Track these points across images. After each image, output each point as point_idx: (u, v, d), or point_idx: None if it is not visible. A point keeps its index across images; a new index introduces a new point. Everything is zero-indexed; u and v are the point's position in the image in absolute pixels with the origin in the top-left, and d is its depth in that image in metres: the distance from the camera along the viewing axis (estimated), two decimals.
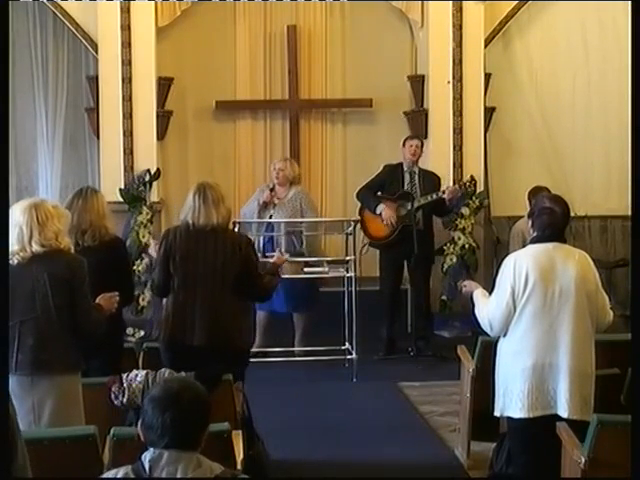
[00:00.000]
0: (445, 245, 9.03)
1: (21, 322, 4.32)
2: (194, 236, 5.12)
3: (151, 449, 2.81)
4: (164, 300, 5.40)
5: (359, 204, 8.39)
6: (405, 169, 8.23)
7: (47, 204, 4.47)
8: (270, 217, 8.00)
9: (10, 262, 4.29)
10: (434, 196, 8.08)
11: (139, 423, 2.87)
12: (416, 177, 8.23)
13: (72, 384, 4.43)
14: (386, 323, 8.27)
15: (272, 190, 8.10)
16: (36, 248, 4.33)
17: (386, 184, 8.24)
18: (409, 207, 8.03)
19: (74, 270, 4.41)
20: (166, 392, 2.83)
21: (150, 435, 2.81)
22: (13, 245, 4.31)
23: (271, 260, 5.76)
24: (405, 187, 8.15)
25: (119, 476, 2.83)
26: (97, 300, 4.59)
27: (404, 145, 8.30)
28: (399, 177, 8.19)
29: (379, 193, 8.26)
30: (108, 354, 5.12)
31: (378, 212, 8.15)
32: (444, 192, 8.11)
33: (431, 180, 8.28)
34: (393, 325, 8.32)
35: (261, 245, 7.90)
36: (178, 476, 2.76)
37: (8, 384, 2.79)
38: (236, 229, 7.48)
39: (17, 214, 4.36)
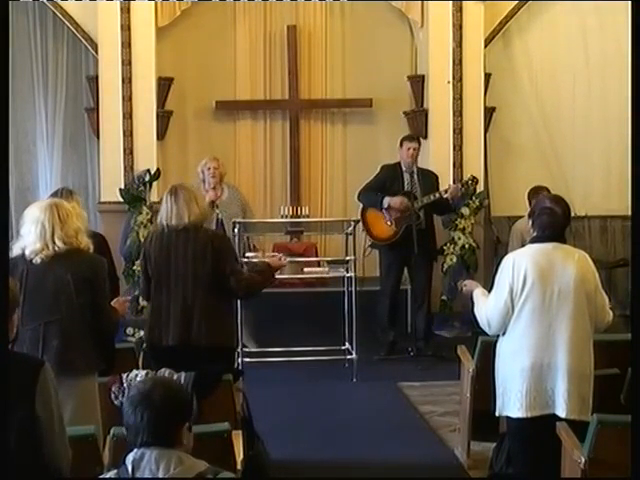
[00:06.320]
0: (445, 245, 9.02)
1: (45, 323, 4.31)
2: (167, 237, 5.14)
3: (134, 450, 2.83)
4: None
5: (360, 206, 8.31)
6: (404, 169, 8.21)
7: (65, 203, 4.52)
8: (217, 217, 7.80)
9: (33, 261, 4.31)
10: (436, 195, 8.07)
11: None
12: (415, 177, 8.20)
13: (92, 384, 4.45)
14: (387, 323, 8.27)
15: (214, 189, 8.02)
16: (59, 245, 4.33)
17: (387, 184, 8.21)
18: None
19: (96, 270, 4.45)
20: (139, 391, 2.87)
21: (130, 435, 2.85)
22: (35, 243, 4.32)
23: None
24: (405, 187, 8.14)
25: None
26: (112, 303, 4.62)
27: (401, 146, 8.22)
28: (399, 177, 8.18)
29: (379, 194, 8.24)
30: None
31: (385, 205, 8.07)
32: (446, 191, 8.10)
33: (430, 179, 8.27)
34: (394, 325, 8.31)
35: None
36: (160, 475, 2.76)
37: (8, 383, 2.77)
38: (236, 230, 7.49)
39: (36, 212, 4.38)
